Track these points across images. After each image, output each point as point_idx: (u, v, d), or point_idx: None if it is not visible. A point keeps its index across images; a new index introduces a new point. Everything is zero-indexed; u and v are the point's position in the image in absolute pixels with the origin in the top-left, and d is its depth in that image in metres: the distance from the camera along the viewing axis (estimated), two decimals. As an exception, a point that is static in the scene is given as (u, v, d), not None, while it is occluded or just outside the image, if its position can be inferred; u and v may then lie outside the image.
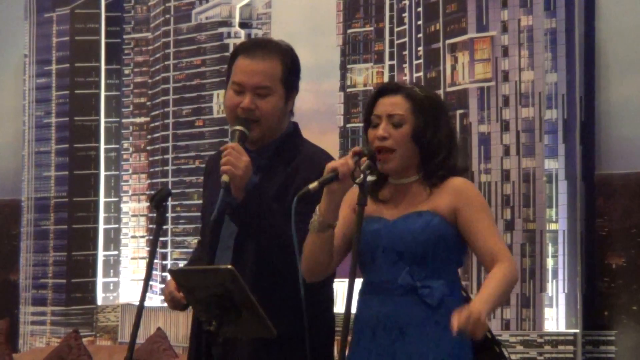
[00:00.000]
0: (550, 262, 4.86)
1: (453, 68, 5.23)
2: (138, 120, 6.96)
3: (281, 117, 3.09)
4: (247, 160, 2.93)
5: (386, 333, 2.84)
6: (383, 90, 2.93)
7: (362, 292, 2.94)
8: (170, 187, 6.20)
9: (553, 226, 4.88)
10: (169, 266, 6.39)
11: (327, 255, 2.87)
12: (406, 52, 5.60)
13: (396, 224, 2.86)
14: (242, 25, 6.38)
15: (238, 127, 3.00)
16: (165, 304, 3.20)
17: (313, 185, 2.75)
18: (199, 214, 3.54)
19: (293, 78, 3.11)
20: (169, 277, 3.00)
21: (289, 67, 3.09)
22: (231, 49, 6.29)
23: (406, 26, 5.61)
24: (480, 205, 2.86)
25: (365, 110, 2.95)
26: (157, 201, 2.93)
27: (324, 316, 3.13)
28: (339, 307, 4.73)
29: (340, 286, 5.32)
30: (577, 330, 4.79)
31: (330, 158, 3.07)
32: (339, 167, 2.76)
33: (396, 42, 5.70)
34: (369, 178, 2.86)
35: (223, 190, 2.92)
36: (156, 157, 6.78)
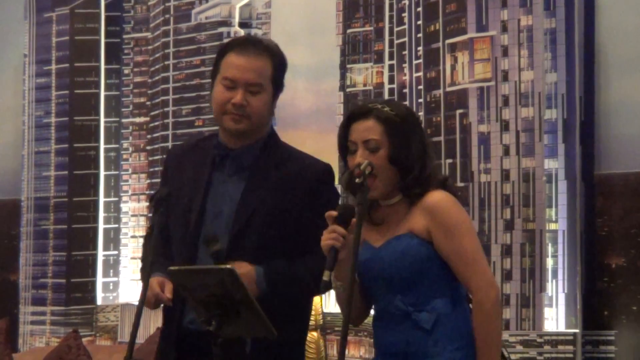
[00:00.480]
0: (550, 262, 4.86)
1: (453, 68, 5.23)
2: (138, 120, 6.96)
3: (268, 115, 3.12)
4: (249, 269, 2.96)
5: (395, 359, 2.86)
6: (354, 115, 2.93)
7: (373, 318, 2.97)
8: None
9: (553, 226, 4.88)
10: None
11: (363, 300, 2.93)
12: (406, 52, 5.60)
13: (380, 252, 2.88)
14: (242, 25, 6.38)
15: (217, 247, 2.97)
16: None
17: (326, 276, 2.73)
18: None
19: (281, 78, 3.14)
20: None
21: (278, 66, 3.11)
22: (231, 48, 6.31)
23: (406, 26, 5.61)
24: (452, 227, 2.82)
25: (340, 136, 2.95)
26: (157, 201, 2.93)
27: (308, 321, 3.22)
28: (339, 307, 4.72)
29: (340, 286, 5.33)
30: (577, 330, 4.78)
31: (329, 167, 3.12)
32: (332, 245, 2.75)
33: (396, 41, 5.70)
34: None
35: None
36: (156, 157, 6.78)
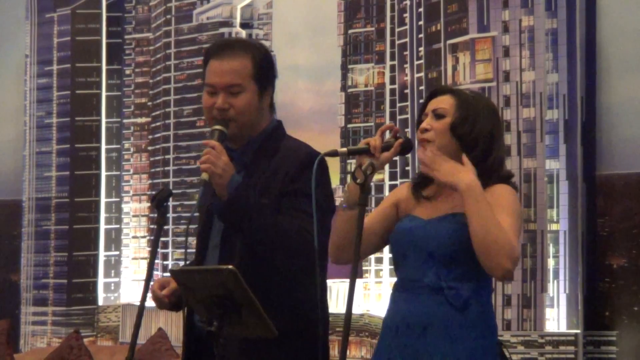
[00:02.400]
0: (551, 263, 4.86)
1: (454, 68, 5.23)
2: (139, 120, 6.96)
3: (256, 113, 3.12)
4: (226, 159, 2.96)
5: (409, 330, 2.84)
6: (434, 93, 2.99)
7: (394, 289, 2.95)
8: (171, 187, 6.20)
9: (554, 226, 4.88)
10: (169, 266, 6.40)
11: (350, 233, 2.84)
12: (407, 53, 5.60)
13: (430, 224, 2.87)
14: (243, 25, 6.39)
15: (217, 127, 3.05)
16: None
17: (342, 150, 2.75)
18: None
19: (266, 73, 3.13)
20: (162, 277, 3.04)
21: (260, 62, 3.11)
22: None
23: (407, 26, 5.61)
24: (507, 208, 2.81)
25: (418, 114, 3.00)
26: (158, 201, 2.94)
27: (316, 313, 3.07)
28: (340, 308, 4.74)
29: (341, 286, 5.33)
30: (578, 331, 4.78)
31: (314, 151, 3.08)
32: (371, 141, 2.80)
33: (397, 42, 5.70)
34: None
35: (202, 188, 2.98)
36: (157, 158, 6.78)
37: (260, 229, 2.95)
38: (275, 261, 2.98)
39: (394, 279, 3.01)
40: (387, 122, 5.65)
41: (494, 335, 2.88)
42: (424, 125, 2.90)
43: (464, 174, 2.76)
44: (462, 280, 2.83)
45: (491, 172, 2.89)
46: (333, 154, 2.77)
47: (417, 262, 2.86)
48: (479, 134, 2.89)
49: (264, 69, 3.13)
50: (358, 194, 2.77)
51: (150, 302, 3.01)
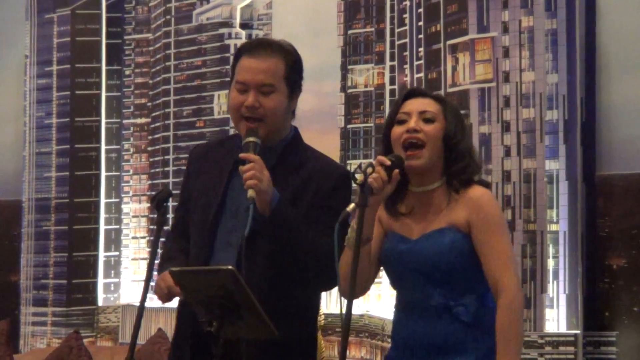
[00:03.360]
0: (551, 263, 4.86)
1: (454, 69, 5.23)
2: (139, 121, 6.96)
3: (285, 115, 3.09)
4: (268, 173, 2.90)
5: (425, 352, 2.85)
6: (411, 93, 2.95)
7: (398, 308, 2.95)
8: (171, 187, 6.20)
9: (554, 227, 4.88)
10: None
11: (367, 269, 2.88)
12: (407, 53, 5.60)
13: (420, 245, 2.86)
14: (243, 26, 6.38)
15: (251, 139, 2.96)
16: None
17: (350, 207, 2.72)
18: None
19: (296, 77, 3.12)
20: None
21: (292, 65, 3.09)
22: (232, 49, 6.31)
23: (407, 27, 5.61)
24: (494, 224, 2.82)
25: (391, 111, 2.95)
26: (158, 202, 2.93)
27: (315, 327, 3.15)
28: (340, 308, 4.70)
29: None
30: (578, 331, 4.78)
31: (340, 167, 3.09)
32: (372, 182, 2.74)
33: (397, 43, 5.70)
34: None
35: (252, 206, 2.86)
36: (157, 158, 6.78)
37: (300, 245, 2.93)
38: (303, 273, 2.96)
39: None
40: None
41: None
42: (413, 125, 2.85)
43: None
44: (465, 293, 2.84)
45: (472, 176, 2.89)
46: (346, 215, 2.72)
47: (418, 284, 2.85)
48: (466, 147, 2.89)
49: (296, 73, 3.11)
50: (368, 228, 2.76)
51: (150, 303, 3.01)
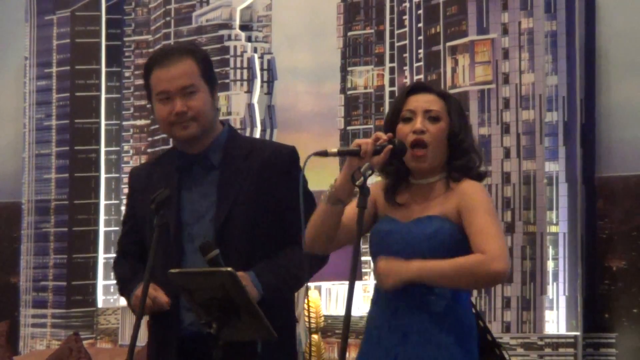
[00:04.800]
0: (550, 265, 4.86)
1: (453, 70, 5.23)
2: (138, 122, 6.96)
3: (213, 112, 3.14)
4: (246, 276, 2.95)
5: (391, 335, 2.84)
6: (415, 88, 2.96)
7: (375, 288, 2.94)
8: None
9: (553, 229, 4.88)
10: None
11: (332, 229, 2.86)
12: (407, 55, 5.60)
13: (408, 228, 2.86)
14: (243, 27, 6.38)
15: (213, 254, 2.90)
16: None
17: (332, 150, 2.74)
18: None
19: (211, 72, 3.16)
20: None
21: (204, 63, 3.14)
22: (232, 51, 6.31)
23: (407, 29, 5.61)
24: (479, 206, 2.82)
25: (394, 107, 2.96)
26: (157, 204, 2.93)
27: (293, 312, 3.26)
28: (339, 310, 4.74)
29: (340, 288, 5.33)
30: (578, 333, 4.78)
31: (284, 147, 3.15)
32: (362, 143, 2.78)
33: (397, 44, 5.70)
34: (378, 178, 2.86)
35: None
36: (157, 160, 6.77)
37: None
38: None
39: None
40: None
41: (473, 338, 2.86)
42: (419, 126, 2.86)
43: (404, 271, 2.76)
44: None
45: (471, 171, 2.90)
46: (323, 153, 2.75)
47: None
48: (470, 144, 2.91)
49: (209, 68, 3.16)
50: (344, 192, 2.79)
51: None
